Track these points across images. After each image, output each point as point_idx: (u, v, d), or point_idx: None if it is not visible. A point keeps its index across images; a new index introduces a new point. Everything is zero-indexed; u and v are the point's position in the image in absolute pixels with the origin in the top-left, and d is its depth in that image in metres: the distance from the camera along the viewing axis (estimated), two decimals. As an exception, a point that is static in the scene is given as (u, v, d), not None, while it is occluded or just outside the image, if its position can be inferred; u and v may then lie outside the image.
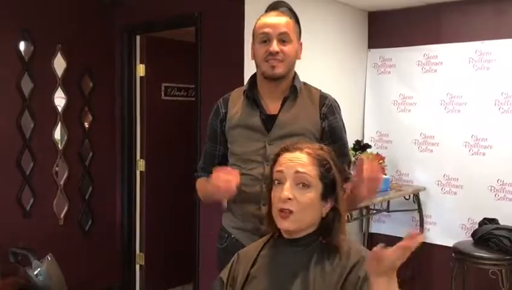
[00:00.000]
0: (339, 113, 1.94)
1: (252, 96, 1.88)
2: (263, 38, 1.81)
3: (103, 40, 3.93)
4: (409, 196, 3.99)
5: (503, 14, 3.70)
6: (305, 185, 1.32)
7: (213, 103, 2.04)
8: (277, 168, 1.37)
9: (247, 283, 1.38)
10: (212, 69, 3.36)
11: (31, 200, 3.51)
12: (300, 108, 1.86)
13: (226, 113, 1.92)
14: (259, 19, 1.88)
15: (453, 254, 3.41)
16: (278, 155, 1.40)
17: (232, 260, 1.49)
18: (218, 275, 1.88)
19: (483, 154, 3.78)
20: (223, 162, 1.96)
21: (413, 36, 4.11)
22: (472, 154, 3.83)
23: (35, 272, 3.14)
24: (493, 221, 3.51)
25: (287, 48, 1.81)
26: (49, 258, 3.23)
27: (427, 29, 4.05)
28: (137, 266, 4.05)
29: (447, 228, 3.96)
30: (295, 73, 1.91)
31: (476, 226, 3.56)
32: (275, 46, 1.78)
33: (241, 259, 1.46)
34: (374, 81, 4.36)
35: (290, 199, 1.31)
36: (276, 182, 1.36)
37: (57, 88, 3.63)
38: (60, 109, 3.65)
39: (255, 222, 1.81)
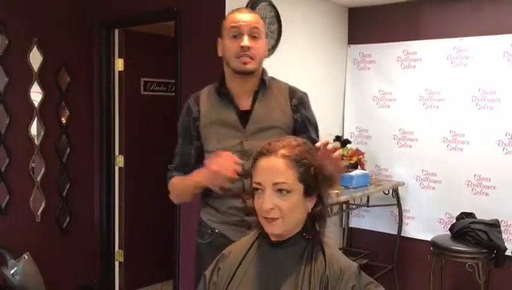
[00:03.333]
0: (309, 105, 1.97)
1: (225, 93, 1.89)
2: (234, 33, 1.83)
3: (81, 34, 3.86)
4: (388, 190, 4.02)
5: (481, 12, 3.75)
6: (285, 191, 1.30)
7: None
8: (255, 178, 1.34)
9: (231, 286, 1.37)
10: (192, 64, 3.33)
11: (7, 197, 3.44)
12: (272, 101, 1.89)
13: (199, 111, 1.91)
14: (229, 14, 1.90)
15: (431, 248, 3.46)
16: (254, 160, 1.36)
17: (216, 258, 1.48)
18: (196, 271, 1.87)
19: (461, 149, 3.83)
20: (198, 162, 1.93)
21: (392, 32, 4.14)
22: (450, 149, 3.88)
23: (11, 272, 3.08)
24: (470, 215, 3.56)
25: (258, 44, 1.83)
26: (26, 257, 3.18)
27: (407, 25, 4.08)
28: (117, 263, 4.01)
29: (426, 222, 4.02)
30: (264, 69, 1.93)
31: (454, 221, 3.61)
32: (246, 41, 1.80)
33: (226, 258, 1.44)
34: (354, 76, 4.38)
35: (271, 208, 1.30)
36: (256, 189, 1.34)
37: (33, 83, 3.55)
38: (36, 104, 3.58)
39: (240, 214, 1.82)
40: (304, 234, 1.35)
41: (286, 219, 1.31)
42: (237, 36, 1.82)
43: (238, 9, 1.89)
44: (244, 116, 1.86)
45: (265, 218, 1.32)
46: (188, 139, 1.95)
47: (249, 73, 1.84)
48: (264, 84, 1.89)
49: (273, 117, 1.86)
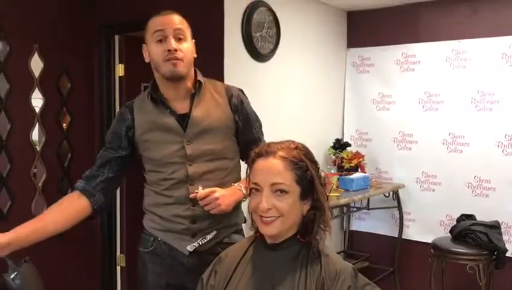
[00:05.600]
0: (248, 102, 1.93)
1: (159, 99, 1.82)
2: (159, 37, 1.77)
3: (81, 40, 3.88)
4: (389, 193, 4.03)
5: (479, 14, 3.77)
6: (283, 192, 1.32)
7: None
8: (252, 179, 1.36)
9: (228, 288, 1.37)
10: (192, 69, 3.34)
11: (8, 203, 3.44)
12: (210, 102, 1.83)
13: (133, 119, 1.84)
14: (151, 18, 1.85)
15: (432, 250, 3.46)
16: (252, 161, 1.38)
17: (213, 262, 1.49)
18: (138, 279, 1.92)
19: (461, 151, 3.84)
20: (124, 168, 1.92)
21: (391, 35, 4.16)
22: (450, 151, 3.89)
23: (11, 276, 3.06)
24: (470, 217, 3.56)
25: (184, 46, 1.78)
26: (26, 261, 3.17)
27: (405, 28, 4.10)
28: (118, 268, 4.01)
29: (426, 224, 4.02)
30: (196, 70, 1.89)
31: (454, 223, 3.61)
32: (172, 43, 1.74)
33: (223, 261, 1.45)
34: (353, 80, 4.39)
35: (269, 208, 1.32)
36: (253, 190, 1.36)
37: (34, 89, 3.56)
38: (37, 110, 3.59)
39: (185, 222, 1.80)
40: (298, 237, 1.36)
41: (284, 219, 1.32)
42: (162, 40, 1.76)
43: (160, 13, 1.82)
44: (183, 120, 1.79)
45: (262, 218, 1.33)
46: (116, 146, 1.87)
47: (180, 78, 1.78)
48: (200, 85, 1.83)
49: (213, 117, 1.80)
